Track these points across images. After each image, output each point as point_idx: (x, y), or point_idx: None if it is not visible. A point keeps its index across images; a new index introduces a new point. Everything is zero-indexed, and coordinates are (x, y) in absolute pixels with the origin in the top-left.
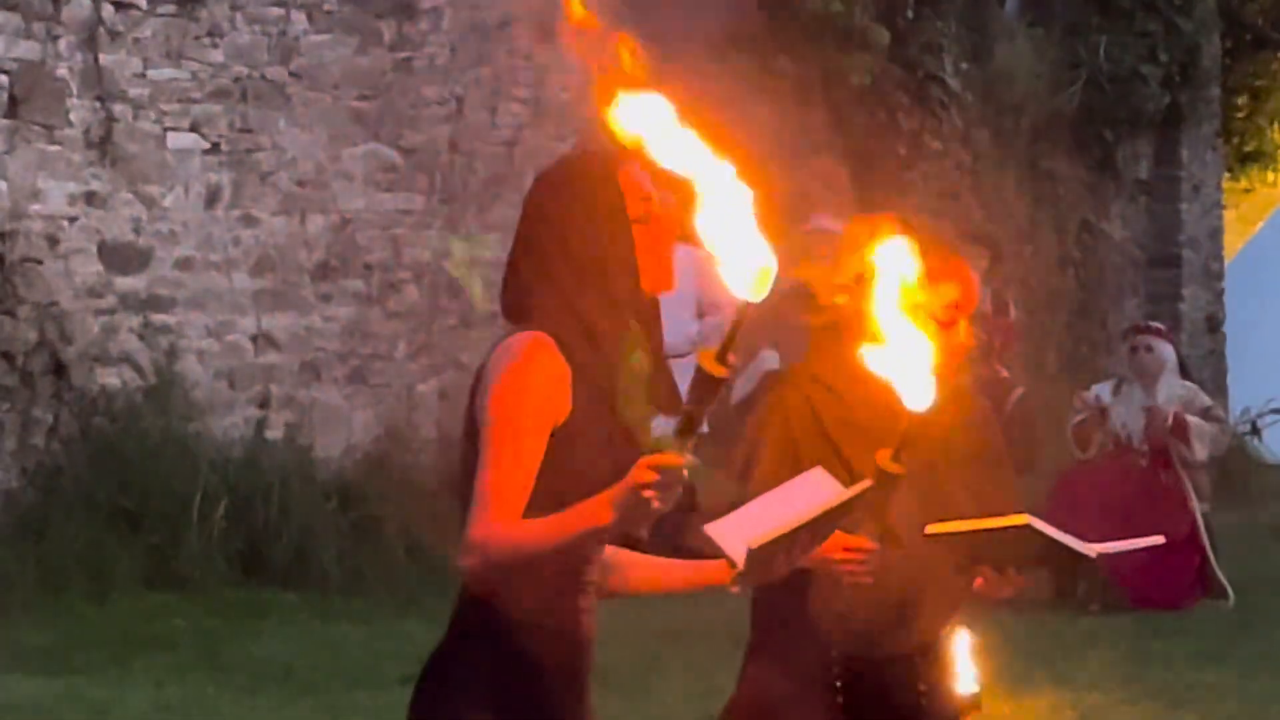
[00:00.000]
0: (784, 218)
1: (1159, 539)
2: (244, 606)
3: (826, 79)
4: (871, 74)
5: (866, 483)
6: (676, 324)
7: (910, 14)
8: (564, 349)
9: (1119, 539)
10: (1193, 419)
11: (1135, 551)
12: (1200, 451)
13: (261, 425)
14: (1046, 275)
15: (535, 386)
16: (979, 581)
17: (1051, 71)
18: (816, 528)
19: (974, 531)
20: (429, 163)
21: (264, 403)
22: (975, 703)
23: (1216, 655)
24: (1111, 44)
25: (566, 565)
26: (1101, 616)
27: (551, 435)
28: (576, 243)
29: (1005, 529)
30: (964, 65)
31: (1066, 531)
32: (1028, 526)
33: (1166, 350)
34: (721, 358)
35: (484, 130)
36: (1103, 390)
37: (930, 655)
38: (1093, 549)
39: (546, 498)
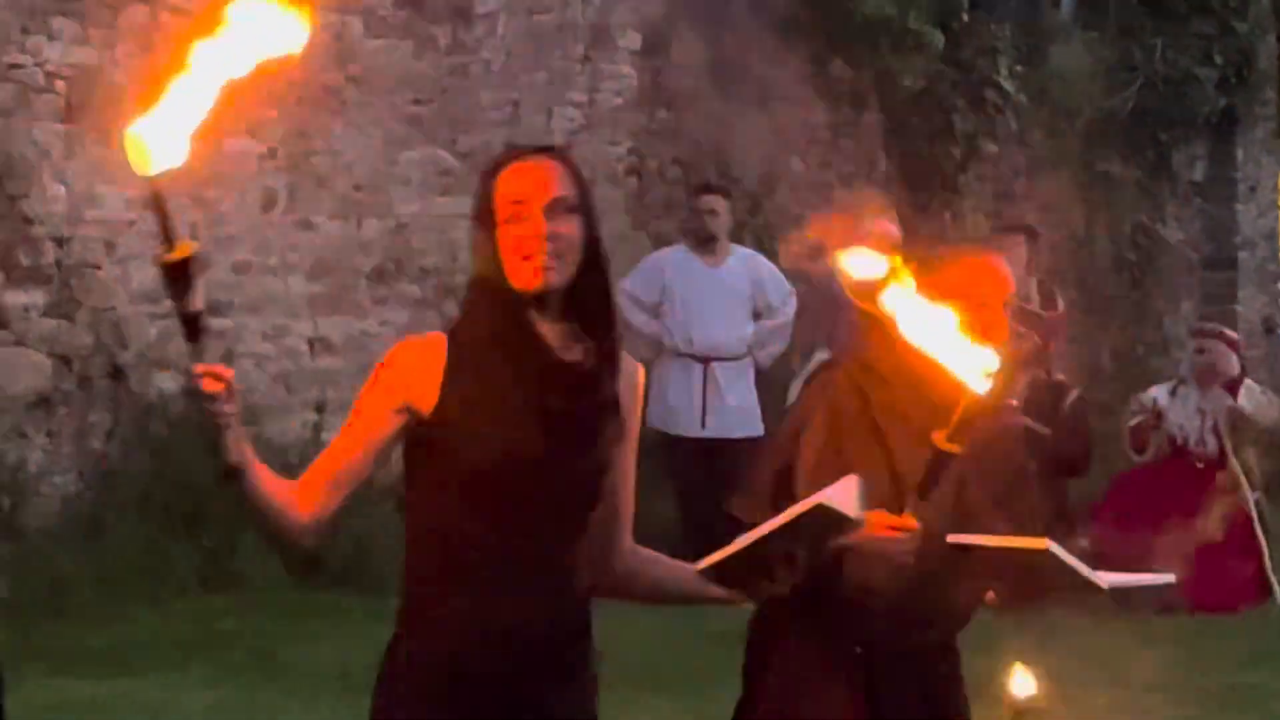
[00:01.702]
0: (840, 220)
1: (1171, 577)
2: (300, 609)
3: (880, 82)
4: (926, 77)
5: (818, 498)
6: (732, 326)
7: (965, 17)
8: (454, 346)
9: (1174, 542)
10: (1247, 388)
11: (1192, 555)
12: (1268, 411)
13: (318, 429)
14: (1102, 278)
15: (382, 372)
16: (990, 594)
17: (1106, 74)
18: (789, 542)
19: (993, 548)
20: (484, 167)
21: (320, 406)
22: (1032, 703)
23: (1271, 656)
24: (1166, 46)
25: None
26: (1157, 618)
27: (420, 424)
28: (472, 244)
29: (1023, 550)
30: (1019, 68)
31: (1121, 533)
32: (1046, 552)
33: (1231, 361)
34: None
35: (539, 134)
36: (1159, 393)
37: (948, 654)
38: (1105, 581)
39: (427, 485)
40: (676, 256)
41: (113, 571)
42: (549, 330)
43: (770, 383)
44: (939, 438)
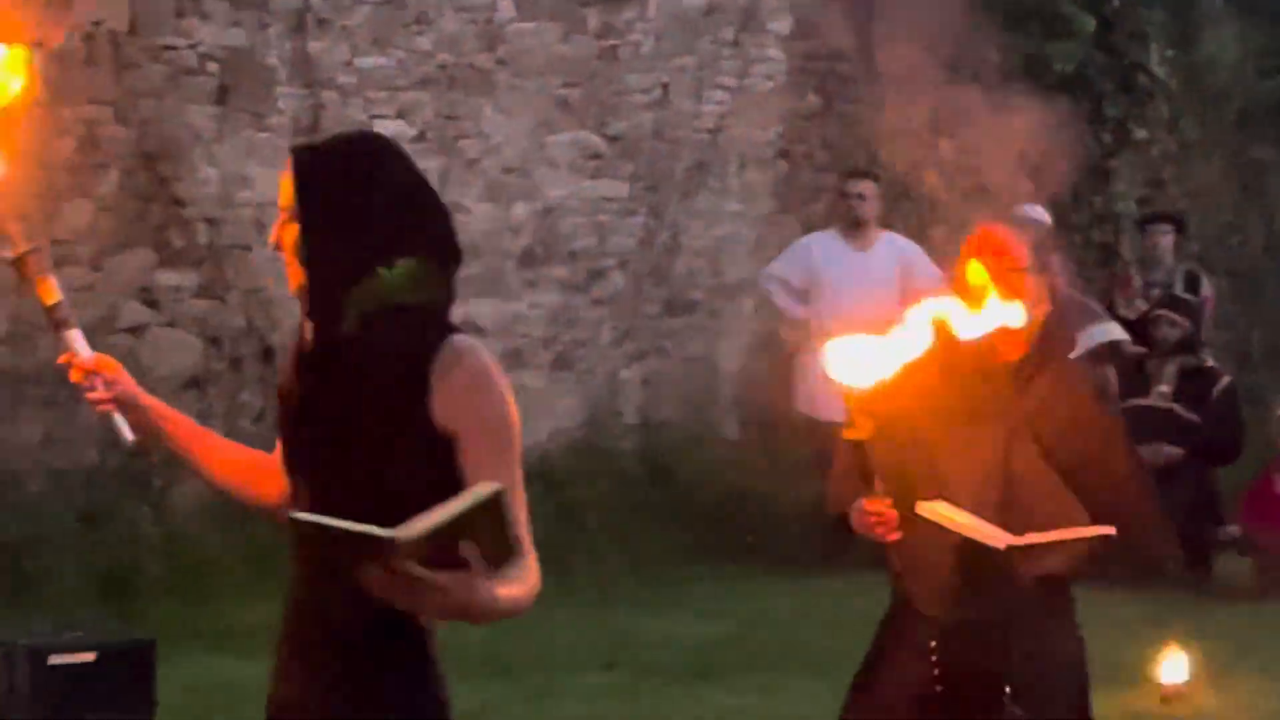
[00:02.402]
0: (989, 208)
1: (1108, 529)
2: None
3: (1031, 66)
4: (1076, 61)
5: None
6: (880, 310)
7: (1116, 1)
8: None
9: None
10: None
11: None
12: None
13: None
14: (1253, 264)
15: None
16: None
17: (1259, 58)
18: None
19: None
20: (633, 150)
21: None
22: (1182, 688)
23: None
24: None
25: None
26: None
27: None
28: None
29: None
30: (1170, 52)
31: (1270, 521)
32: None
33: None
34: None
35: (688, 118)
36: None
37: (1021, 625)
38: (1002, 542)
39: None
40: (825, 241)
41: (264, 551)
42: (308, 324)
43: None
44: (845, 433)
